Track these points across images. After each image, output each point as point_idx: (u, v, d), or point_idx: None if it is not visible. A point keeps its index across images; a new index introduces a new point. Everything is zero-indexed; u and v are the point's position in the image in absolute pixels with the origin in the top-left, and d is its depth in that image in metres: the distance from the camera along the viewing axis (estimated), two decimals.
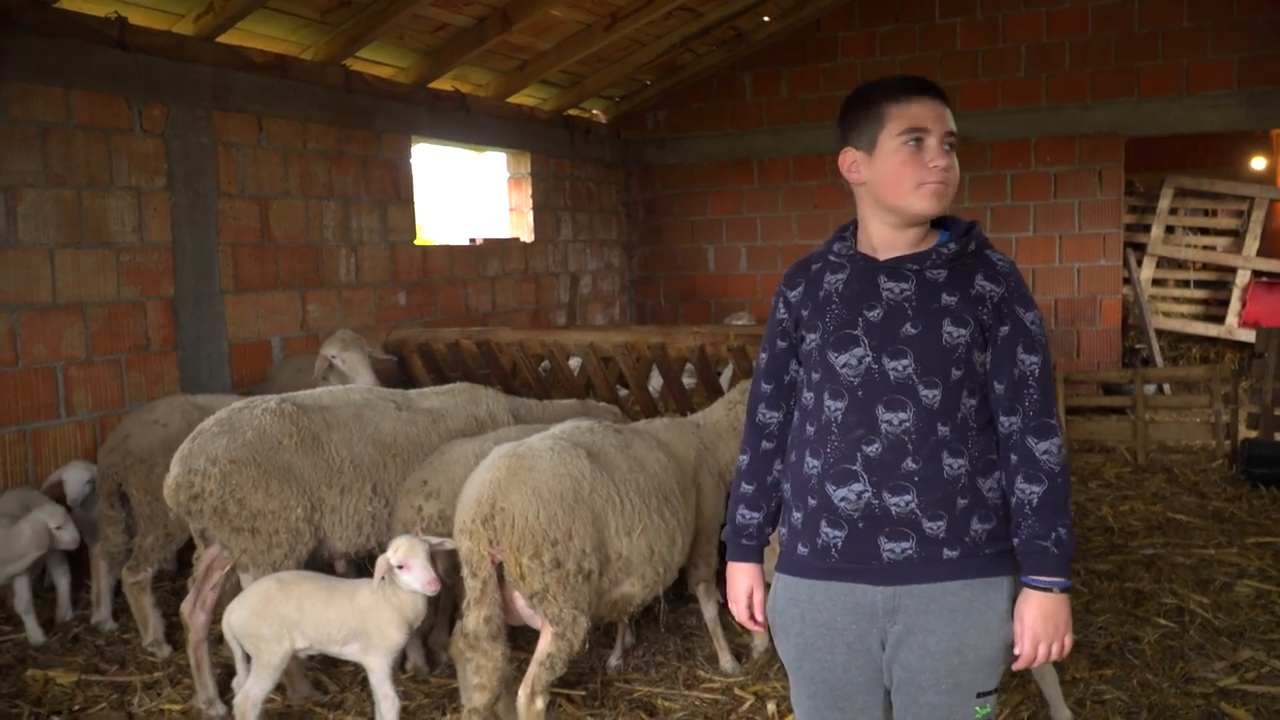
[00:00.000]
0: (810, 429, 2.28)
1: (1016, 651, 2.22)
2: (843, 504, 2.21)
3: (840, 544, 2.23)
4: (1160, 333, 10.76)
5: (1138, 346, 10.62)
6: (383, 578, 3.62)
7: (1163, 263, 11.08)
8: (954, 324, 2.19)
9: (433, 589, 3.61)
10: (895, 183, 2.21)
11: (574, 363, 6.36)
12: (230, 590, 4.16)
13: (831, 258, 2.34)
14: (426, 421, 4.53)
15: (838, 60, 10.40)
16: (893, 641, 2.24)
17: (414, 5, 6.83)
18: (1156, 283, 11.10)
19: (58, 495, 5.02)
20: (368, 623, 3.64)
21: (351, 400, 4.44)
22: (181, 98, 6.21)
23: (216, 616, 4.10)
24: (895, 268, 2.25)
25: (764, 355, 2.44)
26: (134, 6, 5.97)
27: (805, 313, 2.31)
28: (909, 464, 2.18)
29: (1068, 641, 2.21)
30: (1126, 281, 10.32)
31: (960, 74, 9.96)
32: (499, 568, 3.52)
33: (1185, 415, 8.58)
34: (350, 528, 4.19)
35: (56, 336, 5.56)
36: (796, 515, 2.31)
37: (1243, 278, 10.65)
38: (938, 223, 2.31)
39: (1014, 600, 2.22)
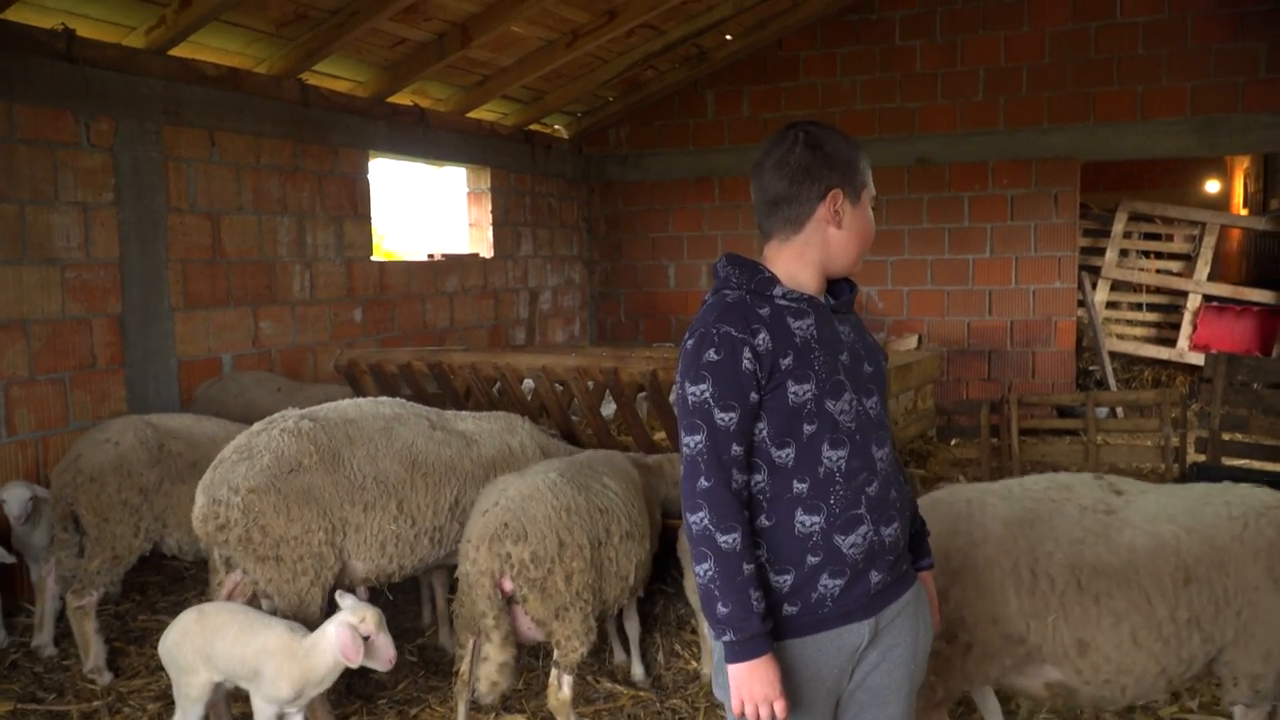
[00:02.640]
0: (800, 485, 2.17)
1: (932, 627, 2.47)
2: (850, 550, 2.20)
3: (837, 591, 2.20)
4: (1114, 355, 10.88)
5: (1092, 368, 10.74)
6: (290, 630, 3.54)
7: (1116, 285, 11.22)
8: (883, 360, 2.43)
9: (386, 669, 3.52)
10: (861, 242, 2.31)
11: (528, 385, 6.32)
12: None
13: (781, 301, 2.22)
14: (460, 444, 4.40)
15: (799, 80, 10.46)
16: (865, 670, 2.27)
17: (372, 20, 6.77)
18: (1110, 305, 11.23)
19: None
20: (265, 665, 3.49)
21: (381, 414, 4.31)
22: (131, 111, 6.11)
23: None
24: (840, 312, 2.33)
25: (729, 415, 2.13)
26: (83, 19, 5.87)
27: (785, 361, 2.15)
28: (893, 493, 2.29)
29: None
30: (1081, 304, 10.43)
31: (920, 96, 10.05)
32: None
33: (1136, 438, 8.67)
34: (373, 547, 4.06)
35: None
36: (782, 579, 2.18)
37: (1194, 301, 10.79)
38: None
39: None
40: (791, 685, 2.18)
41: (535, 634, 3.80)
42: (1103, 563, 3.08)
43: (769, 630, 2.13)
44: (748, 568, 2.12)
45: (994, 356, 10.07)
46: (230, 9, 6.13)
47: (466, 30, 7.61)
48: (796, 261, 2.28)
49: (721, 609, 2.11)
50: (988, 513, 3.22)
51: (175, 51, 6.36)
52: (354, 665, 3.39)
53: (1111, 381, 10.49)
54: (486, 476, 4.36)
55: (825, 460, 2.17)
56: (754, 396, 2.14)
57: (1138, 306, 11.32)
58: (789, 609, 2.18)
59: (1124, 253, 11.15)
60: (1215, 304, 10.84)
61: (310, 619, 3.89)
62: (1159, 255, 11.24)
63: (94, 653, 4.58)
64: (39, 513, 4.92)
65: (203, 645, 3.57)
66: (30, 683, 4.61)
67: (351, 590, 4.37)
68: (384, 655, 3.43)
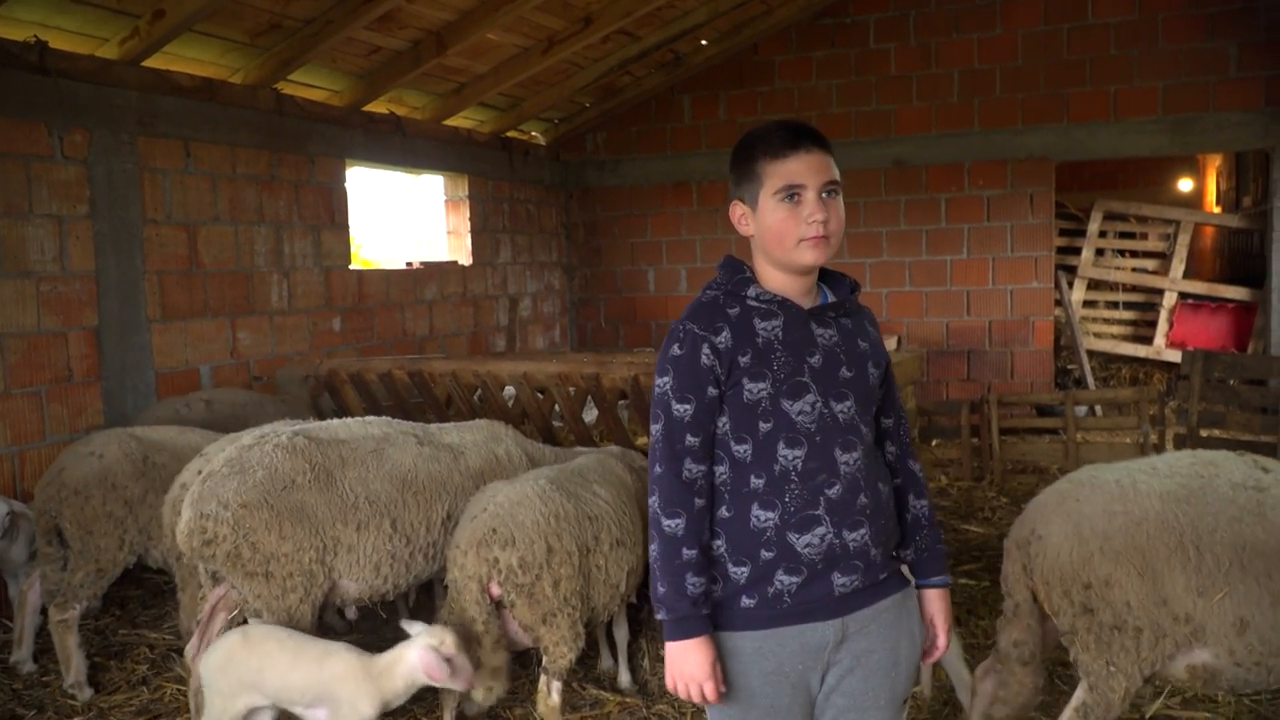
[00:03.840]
0: (757, 481, 2.24)
1: (933, 646, 2.46)
2: (806, 550, 2.23)
3: (795, 588, 2.24)
4: (1091, 353, 10.97)
5: (1070, 367, 10.82)
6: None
7: (1093, 284, 11.31)
8: (873, 365, 2.37)
9: (466, 688, 3.53)
10: (779, 239, 2.26)
11: (509, 392, 6.31)
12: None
13: (752, 302, 2.29)
14: (448, 458, 4.37)
15: (775, 84, 10.49)
16: (838, 674, 2.28)
17: (347, 28, 6.75)
18: (1087, 304, 11.32)
19: None
20: (339, 691, 3.46)
21: (370, 434, 4.26)
22: (105, 123, 6.07)
23: None
24: (820, 315, 2.32)
25: (685, 406, 2.25)
26: (56, 31, 5.83)
27: (744, 359, 2.23)
28: (862, 499, 2.27)
29: None
30: (1058, 303, 10.51)
31: (895, 98, 10.10)
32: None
33: (1115, 436, 8.74)
34: (367, 568, 4.00)
35: None
36: (740, 570, 2.25)
37: (1170, 299, 10.89)
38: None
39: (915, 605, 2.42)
40: (753, 677, 2.25)
41: (523, 639, 3.80)
42: (1259, 541, 3.05)
43: (704, 615, 2.22)
44: (688, 553, 2.21)
45: (973, 357, 10.12)
46: (204, 19, 6.10)
47: (442, 38, 7.60)
48: (762, 263, 2.35)
49: (659, 588, 2.24)
50: (1141, 490, 3.19)
51: (149, 62, 6.32)
52: (439, 685, 3.50)
53: (1090, 380, 10.58)
54: (475, 488, 4.34)
55: (780, 458, 2.23)
56: (712, 391, 2.24)
57: (1114, 305, 11.42)
58: (747, 601, 2.24)
59: (1100, 252, 11.25)
60: (1191, 301, 10.95)
61: None
62: (1134, 254, 11.35)
63: (75, 667, 4.54)
64: (16, 528, 4.88)
65: (250, 672, 3.49)
66: (9, 699, 4.56)
67: (342, 608, 4.37)
68: (465, 675, 3.48)
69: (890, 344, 9.93)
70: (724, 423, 2.26)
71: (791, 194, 2.24)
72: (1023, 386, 9.91)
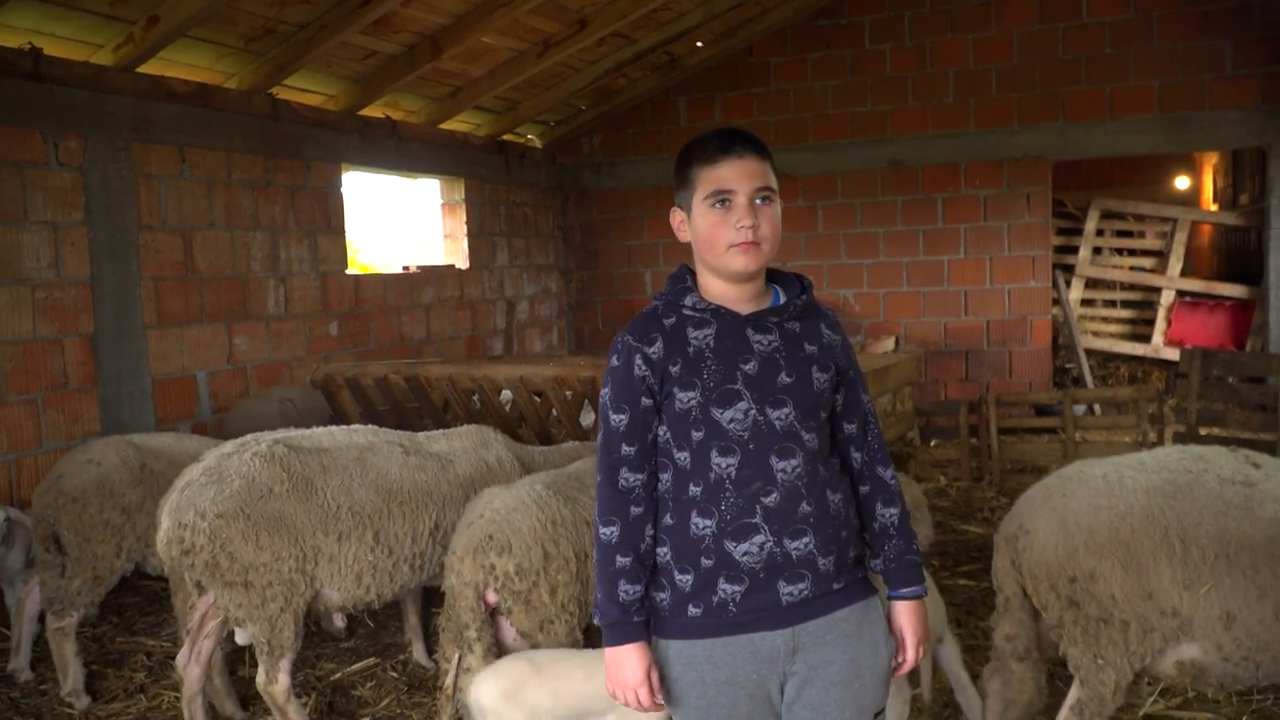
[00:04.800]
0: (695, 489, 2.25)
1: (902, 659, 2.37)
2: (744, 558, 2.22)
3: (739, 597, 2.23)
4: (1090, 352, 10.97)
5: (1068, 366, 10.82)
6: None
7: (1090, 283, 11.31)
8: (819, 370, 2.30)
9: None
10: (709, 245, 2.26)
11: (505, 396, 6.30)
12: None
13: (687, 311, 2.29)
14: (435, 467, 4.33)
15: (770, 86, 10.49)
16: (796, 684, 2.26)
17: (341, 33, 6.74)
18: (1085, 303, 11.32)
19: None
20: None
21: (354, 443, 4.23)
22: (100, 129, 6.06)
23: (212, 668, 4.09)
24: (760, 321, 2.29)
25: (621, 416, 2.27)
26: (50, 37, 5.82)
27: (675, 369, 2.24)
28: (804, 507, 2.23)
29: (928, 641, 2.43)
30: (1056, 302, 10.51)
31: (891, 99, 10.10)
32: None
33: (1114, 435, 8.73)
34: (349, 578, 3.97)
35: None
36: (684, 578, 2.25)
37: (1167, 297, 10.89)
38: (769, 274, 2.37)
39: (885, 616, 2.38)
40: (708, 685, 2.25)
41: (521, 646, 3.78)
42: (1246, 535, 3.06)
43: (637, 622, 2.26)
44: (621, 560, 2.25)
45: (971, 357, 10.12)
46: (198, 25, 6.09)
47: (437, 42, 7.59)
48: (702, 271, 2.35)
49: (597, 594, 2.30)
50: (1127, 485, 3.20)
51: (144, 68, 6.31)
52: None
53: (1088, 379, 10.57)
54: (465, 496, 4.31)
55: (714, 466, 2.23)
56: (646, 401, 2.27)
57: (1112, 303, 11.42)
58: (694, 610, 2.24)
59: (1097, 250, 11.25)
60: (1189, 299, 10.95)
61: (284, 644, 3.85)
62: (1132, 252, 11.35)
63: (72, 675, 4.53)
64: (14, 535, 4.87)
65: (545, 696, 3.41)
66: (7, 707, 4.55)
67: (319, 618, 4.35)
68: None
69: (888, 344, 9.92)
70: (664, 431, 2.29)
71: (722, 199, 2.24)
72: (1021, 386, 9.91)
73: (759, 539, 2.21)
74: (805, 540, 2.23)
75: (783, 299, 2.35)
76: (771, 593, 2.22)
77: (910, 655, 2.37)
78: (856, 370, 2.39)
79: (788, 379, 2.25)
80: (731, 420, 2.23)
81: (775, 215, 2.28)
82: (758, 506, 2.22)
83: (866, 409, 2.40)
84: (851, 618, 2.29)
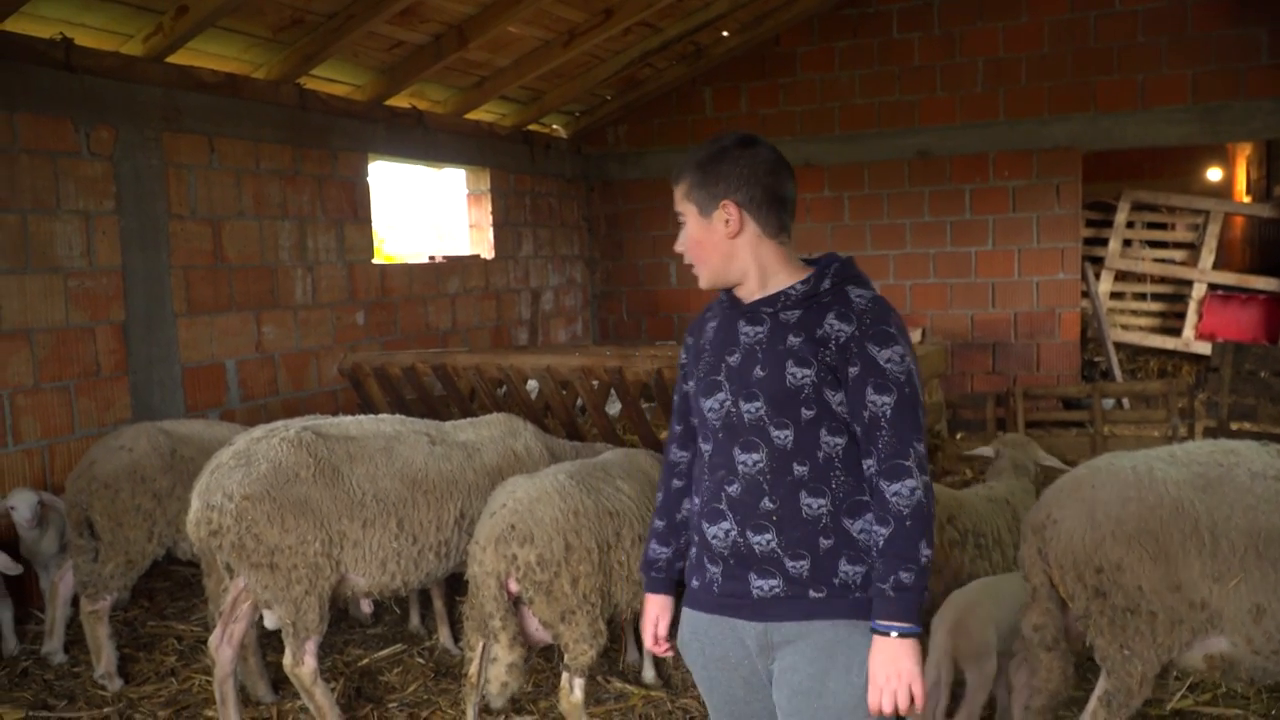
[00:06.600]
0: (696, 469, 2.42)
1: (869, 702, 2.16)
2: (714, 541, 2.30)
3: (719, 579, 2.31)
4: (1118, 345, 10.86)
5: (1096, 359, 10.71)
6: None
7: (1120, 276, 11.19)
8: (797, 364, 2.21)
9: None
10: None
11: (532, 385, 6.31)
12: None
13: (718, 305, 2.42)
14: (461, 456, 4.38)
15: (797, 75, 10.43)
16: (776, 677, 2.29)
17: (368, 23, 6.76)
18: (1114, 296, 11.20)
19: (4, 525, 4.94)
20: None
21: (381, 432, 4.29)
22: (130, 119, 6.10)
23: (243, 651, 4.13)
24: (753, 312, 2.31)
25: (676, 398, 2.54)
26: (81, 28, 5.87)
27: (692, 359, 2.43)
28: (766, 503, 2.24)
29: (916, 691, 2.12)
30: (1085, 294, 10.41)
31: (918, 89, 10.02)
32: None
33: (1143, 429, 8.65)
34: (374, 564, 4.03)
35: (2, 364, 5.44)
36: (693, 551, 2.41)
37: (1199, 290, 10.76)
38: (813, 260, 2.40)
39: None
40: (708, 659, 2.38)
41: (543, 636, 3.80)
42: (1276, 529, 3.04)
43: (654, 577, 2.52)
44: (657, 523, 2.53)
45: (998, 349, 10.05)
46: (227, 15, 6.13)
47: (463, 32, 7.60)
48: None
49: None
50: (1157, 476, 3.20)
51: (173, 59, 6.35)
52: None
53: (1117, 372, 10.47)
54: (492, 484, 4.34)
55: (702, 451, 2.38)
56: (684, 386, 2.48)
57: (1142, 296, 11.29)
58: (694, 583, 2.39)
59: (1127, 243, 11.12)
60: (1220, 292, 10.81)
61: (309, 626, 3.89)
62: (1163, 244, 11.22)
63: (105, 658, 4.60)
64: (47, 519, 4.94)
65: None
66: (41, 690, 4.62)
67: (346, 604, 4.39)
68: None
69: (915, 336, 9.86)
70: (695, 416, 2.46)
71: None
72: (1049, 379, 9.83)
73: (725, 525, 2.28)
74: (768, 537, 2.22)
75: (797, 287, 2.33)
76: (743, 583, 2.26)
77: (872, 700, 2.14)
78: (869, 367, 2.17)
79: (761, 372, 2.24)
80: (710, 409, 2.32)
81: (682, 238, 2.38)
82: (723, 494, 2.29)
83: (878, 411, 2.16)
84: (828, 633, 2.21)
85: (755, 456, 2.24)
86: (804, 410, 2.20)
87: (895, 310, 2.27)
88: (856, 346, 2.18)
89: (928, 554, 2.14)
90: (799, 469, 2.21)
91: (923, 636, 2.20)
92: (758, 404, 2.24)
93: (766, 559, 2.23)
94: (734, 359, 2.29)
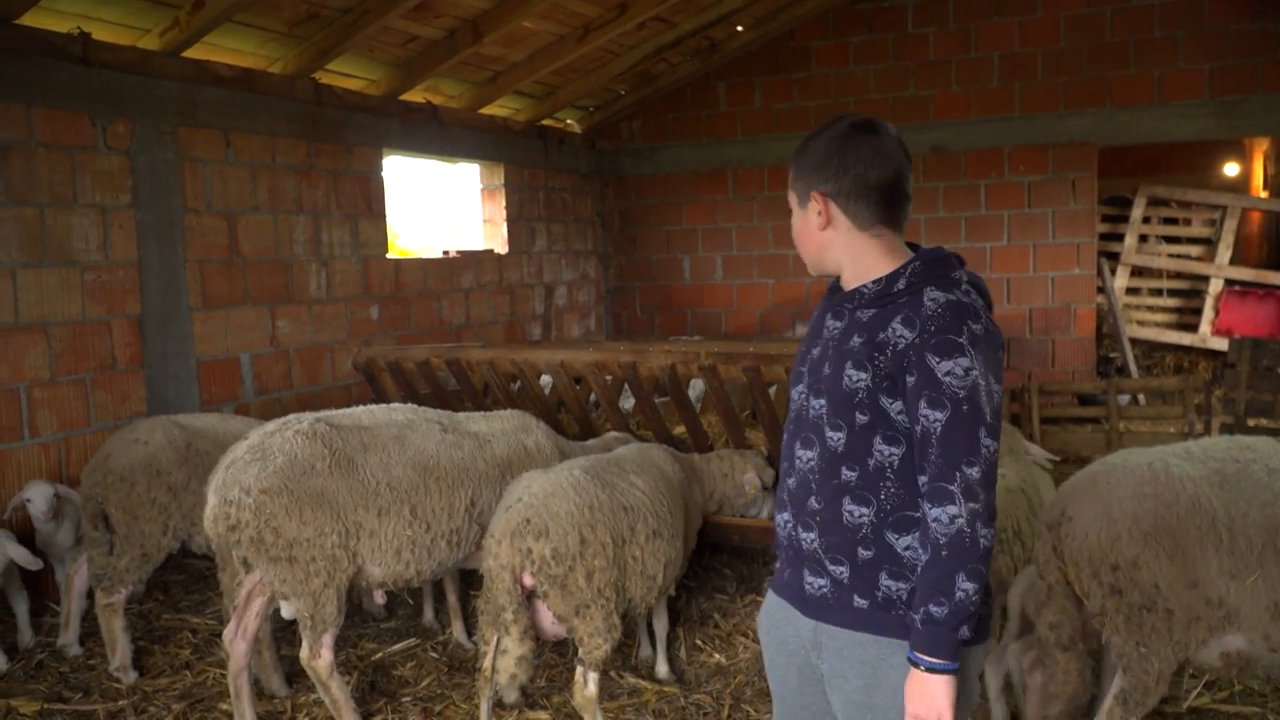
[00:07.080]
0: None
1: None
2: (779, 530, 2.32)
3: (785, 568, 2.33)
4: (1134, 341, 10.80)
5: (1112, 355, 10.66)
6: None
7: (1136, 271, 11.12)
8: (854, 367, 2.12)
9: None
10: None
11: (545, 380, 6.31)
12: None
13: (826, 292, 2.39)
14: (472, 445, 4.41)
15: (811, 70, 10.40)
16: (826, 679, 2.27)
17: (384, 18, 6.77)
18: (1130, 291, 11.14)
19: (20, 518, 4.96)
20: None
21: (394, 421, 4.32)
22: (146, 113, 6.13)
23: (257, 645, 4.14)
24: (839, 306, 2.26)
25: None
26: (97, 22, 5.89)
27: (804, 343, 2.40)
28: (813, 503, 2.21)
29: None
30: (1100, 290, 10.35)
31: (933, 84, 9.98)
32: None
33: (1159, 425, 8.59)
34: (389, 553, 4.04)
35: (19, 357, 5.47)
36: None
37: (1216, 286, 10.69)
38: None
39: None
40: (772, 640, 2.38)
41: (558, 630, 3.80)
42: None
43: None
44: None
45: (1014, 345, 10.00)
46: (243, 10, 6.14)
47: (478, 26, 7.59)
48: None
49: None
50: (1174, 473, 3.17)
51: (189, 53, 6.37)
52: None
53: (1133, 368, 10.41)
54: (502, 476, 4.37)
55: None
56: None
57: (1158, 292, 11.22)
58: (780, 564, 2.38)
59: (1143, 238, 11.05)
60: (1237, 288, 10.74)
61: (327, 619, 3.90)
62: (1179, 240, 11.15)
63: (120, 651, 4.62)
64: (63, 512, 4.96)
65: None
66: (57, 682, 4.65)
67: (361, 595, 4.40)
68: None
69: None
70: None
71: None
72: (1064, 375, 9.79)
73: (785, 516, 2.29)
74: (812, 535, 2.20)
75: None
76: (799, 576, 2.27)
77: None
78: (925, 378, 2.03)
79: (827, 370, 2.20)
80: (792, 400, 2.32)
81: (793, 222, 2.32)
82: (785, 485, 2.30)
83: (929, 426, 2.03)
84: (873, 648, 2.13)
85: (810, 454, 2.21)
86: (858, 415, 2.11)
87: (980, 318, 2.08)
88: (915, 355, 2.05)
89: (967, 588, 1.98)
90: (847, 474, 2.14)
91: (968, 675, 2.08)
92: (822, 401, 2.19)
93: (812, 557, 2.22)
94: (815, 352, 2.27)
